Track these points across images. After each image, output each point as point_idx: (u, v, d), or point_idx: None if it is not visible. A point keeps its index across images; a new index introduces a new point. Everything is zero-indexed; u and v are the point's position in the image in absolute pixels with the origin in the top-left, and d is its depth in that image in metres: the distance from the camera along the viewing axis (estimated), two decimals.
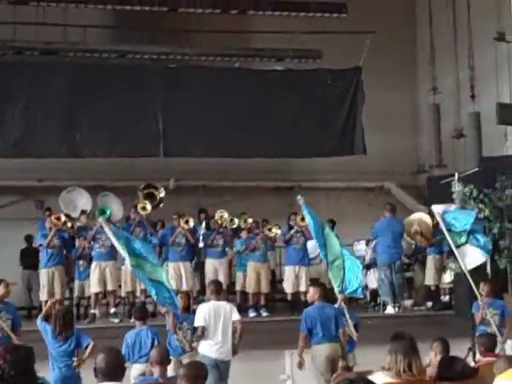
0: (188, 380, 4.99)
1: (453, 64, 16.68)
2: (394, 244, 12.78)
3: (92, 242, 12.12)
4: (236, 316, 8.91)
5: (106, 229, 8.80)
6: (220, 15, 15.22)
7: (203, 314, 8.74)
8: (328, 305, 9.05)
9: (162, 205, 13.38)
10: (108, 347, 4.93)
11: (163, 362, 6.38)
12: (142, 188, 13.24)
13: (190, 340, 9.01)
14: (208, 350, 8.64)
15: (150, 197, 13.16)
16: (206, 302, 9.19)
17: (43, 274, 11.85)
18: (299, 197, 9.96)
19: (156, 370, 6.33)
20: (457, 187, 12.50)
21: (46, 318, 8.39)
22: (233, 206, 14.03)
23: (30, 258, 12.92)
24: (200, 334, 8.68)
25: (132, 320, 11.16)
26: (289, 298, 12.76)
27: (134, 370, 8.26)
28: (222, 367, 8.64)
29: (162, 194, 13.35)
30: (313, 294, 9.03)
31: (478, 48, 15.78)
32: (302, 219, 12.72)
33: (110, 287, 12.06)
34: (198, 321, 8.73)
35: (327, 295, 9.18)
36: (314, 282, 9.89)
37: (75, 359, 8.01)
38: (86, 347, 8.02)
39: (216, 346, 8.66)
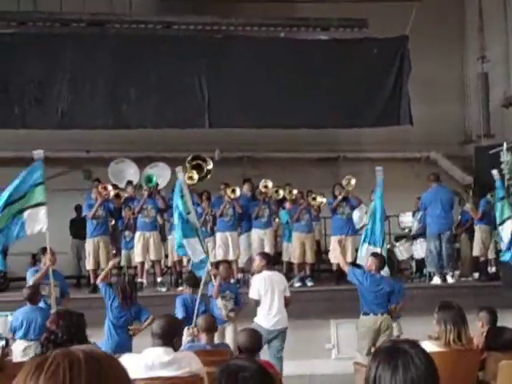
0: (245, 351, 5.06)
1: (502, 32, 16.35)
2: (444, 214, 12.53)
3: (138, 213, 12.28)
4: (287, 292, 8.98)
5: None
6: None
7: (258, 286, 8.79)
8: (386, 278, 9.08)
9: (209, 176, 13.43)
10: (165, 315, 5.01)
11: (211, 329, 6.48)
12: (189, 159, 13.30)
13: (230, 309, 9.12)
14: (262, 320, 8.70)
15: (198, 168, 13.23)
16: (256, 273, 9.23)
17: (89, 243, 12.04)
18: (379, 168, 10.00)
19: (203, 337, 6.43)
20: (505, 157, 12.33)
21: (110, 284, 8.57)
22: (277, 176, 14.02)
23: (79, 228, 13.12)
24: (254, 305, 8.75)
25: (180, 288, 11.35)
26: (334, 268, 12.77)
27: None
28: (279, 334, 8.72)
29: (210, 166, 13.40)
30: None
31: None
32: (348, 183, 12.72)
33: (152, 257, 12.21)
34: (253, 293, 8.80)
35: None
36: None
37: (131, 328, 8.17)
38: (145, 320, 8.16)
39: (271, 316, 8.72)
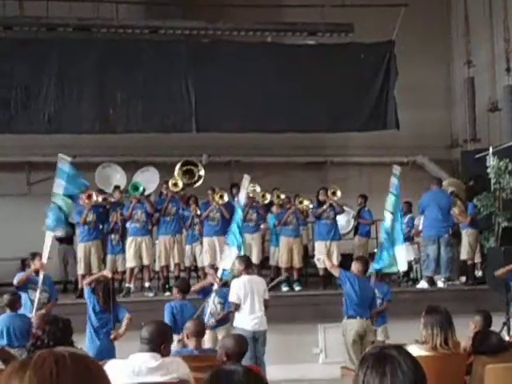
0: (232, 356, 5.06)
1: (488, 37, 16.44)
2: (442, 217, 12.52)
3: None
4: (266, 295, 9.02)
5: None
6: None
7: (237, 289, 8.83)
8: (368, 281, 9.14)
9: (200, 182, 13.40)
10: (154, 320, 5.00)
11: (199, 334, 6.46)
12: (180, 164, 13.27)
13: (217, 314, 9.14)
14: (245, 323, 8.74)
15: (189, 173, 13.21)
16: (236, 277, 9.25)
17: (80, 248, 12.03)
18: (396, 166, 10.08)
19: (191, 342, 6.40)
20: (491, 161, 12.40)
21: (93, 290, 8.57)
22: (265, 181, 14.03)
23: (66, 233, 13.03)
24: (233, 309, 8.79)
25: (167, 293, 11.34)
26: (320, 273, 12.77)
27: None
28: (260, 338, 8.77)
29: (202, 172, 13.38)
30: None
31: None
32: (334, 193, 12.74)
33: (145, 262, 12.19)
34: (232, 297, 8.84)
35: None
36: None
37: (113, 332, 8.18)
38: (123, 319, 8.19)
39: (252, 319, 8.77)
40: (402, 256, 9.89)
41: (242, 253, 10.01)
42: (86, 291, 8.53)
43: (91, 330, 8.26)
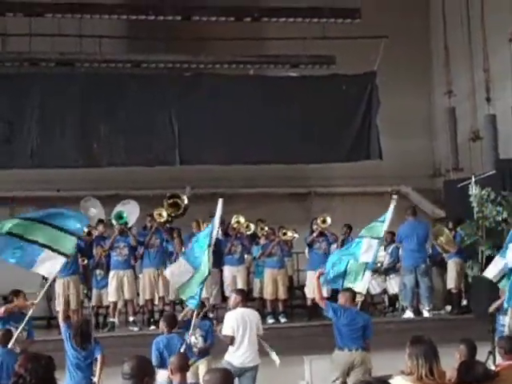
0: None
1: (468, 67, 16.63)
2: (419, 247, 12.66)
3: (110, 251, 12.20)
4: (260, 331, 8.96)
5: None
6: (234, 23, 15.25)
7: (231, 323, 8.75)
8: (360, 313, 9.11)
9: (185, 213, 13.35)
10: (136, 355, 4.94)
11: (183, 369, 6.40)
12: (167, 197, 13.24)
13: (200, 347, 9.08)
14: (233, 358, 8.65)
15: (175, 206, 13.19)
16: (232, 310, 9.17)
17: (58, 283, 11.87)
18: (395, 197, 10.09)
19: (176, 378, 6.33)
20: (474, 190, 12.48)
21: (70, 326, 8.51)
22: (249, 212, 14.02)
23: None
24: (229, 342, 8.70)
25: (152, 327, 11.26)
26: (308, 303, 12.73)
27: (161, 375, 8.25)
28: (249, 372, 8.66)
29: (186, 202, 13.36)
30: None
31: (493, 50, 15.72)
32: (323, 221, 12.78)
33: (127, 296, 12.10)
34: (227, 330, 8.75)
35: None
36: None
37: (94, 379, 8.16)
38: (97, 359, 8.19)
39: (243, 354, 8.67)
40: (366, 280, 9.83)
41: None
42: (63, 328, 8.47)
43: (69, 366, 8.21)
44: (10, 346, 8.22)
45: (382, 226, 9.82)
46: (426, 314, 12.44)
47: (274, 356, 9.10)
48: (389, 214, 9.88)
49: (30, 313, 8.55)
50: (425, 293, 12.58)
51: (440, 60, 17.46)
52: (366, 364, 8.81)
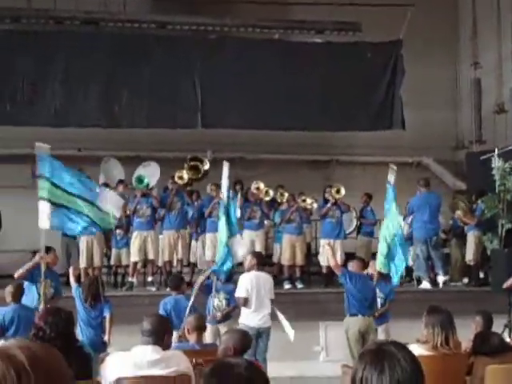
0: (235, 351, 5.06)
1: (495, 38, 16.40)
2: (431, 219, 12.64)
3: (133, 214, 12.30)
4: (272, 295, 9.00)
5: None
6: None
7: (245, 284, 8.82)
8: (369, 279, 9.14)
9: (205, 177, 13.39)
10: (155, 313, 5.00)
11: (200, 328, 6.46)
12: (188, 160, 13.26)
13: (223, 309, 9.13)
14: (250, 319, 8.73)
15: (195, 169, 13.21)
16: (246, 272, 9.22)
17: (82, 241, 12.04)
18: (394, 167, 9.93)
19: (192, 337, 6.40)
20: (497, 163, 12.37)
21: (79, 284, 8.64)
22: (269, 178, 14.03)
23: None
24: (241, 304, 8.76)
25: (168, 289, 11.34)
26: (324, 270, 12.77)
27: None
28: (264, 334, 8.76)
29: (207, 167, 13.38)
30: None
31: None
32: (337, 191, 12.75)
33: (150, 256, 12.19)
34: (241, 291, 8.81)
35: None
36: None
37: (105, 337, 8.30)
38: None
39: (257, 315, 8.76)
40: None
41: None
42: (74, 287, 8.61)
43: (80, 323, 8.35)
44: (35, 303, 8.34)
45: (395, 212, 9.65)
46: (440, 282, 12.41)
47: (288, 329, 9.14)
48: (390, 193, 9.72)
49: (43, 267, 8.61)
50: (438, 263, 12.58)
51: (467, 31, 17.24)
52: (375, 332, 8.93)
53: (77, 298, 8.47)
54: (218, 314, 9.03)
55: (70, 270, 9.30)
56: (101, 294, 8.53)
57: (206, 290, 9.25)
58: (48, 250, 8.97)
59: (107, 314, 8.45)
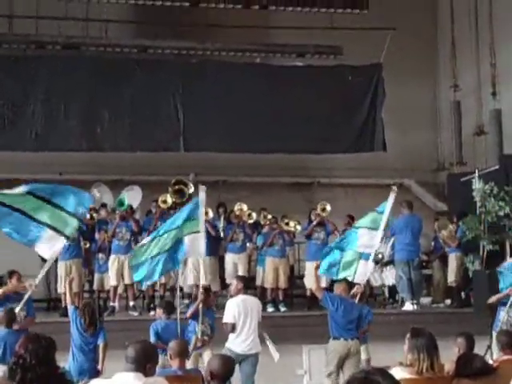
0: (217, 377, 5.02)
1: (474, 61, 16.60)
2: (413, 241, 12.71)
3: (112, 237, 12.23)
4: (260, 318, 8.95)
5: None
6: (241, 10, 15.20)
7: (233, 310, 8.74)
8: (356, 304, 9.12)
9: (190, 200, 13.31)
10: (141, 340, 4.96)
11: (182, 354, 6.42)
12: (172, 183, 13.20)
13: (207, 335, 9.07)
14: (236, 344, 8.65)
15: (179, 192, 13.15)
16: (232, 297, 9.17)
17: (61, 266, 11.90)
18: (394, 188, 9.91)
19: (175, 363, 6.35)
20: (477, 185, 12.46)
21: (77, 308, 8.52)
22: (251, 201, 14.03)
23: None
24: (230, 330, 8.68)
25: (152, 313, 11.27)
26: (308, 293, 12.74)
27: None
28: (250, 359, 8.67)
29: (191, 190, 13.30)
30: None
31: (500, 45, 15.68)
32: (323, 210, 12.76)
33: (127, 281, 12.08)
34: (228, 317, 8.74)
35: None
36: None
37: (98, 367, 8.18)
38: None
39: (244, 341, 8.66)
40: (362, 270, 9.74)
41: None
42: (70, 310, 8.48)
43: (73, 349, 8.21)
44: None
45: (381, 218, 9.70)
46: (409, 306, 12.43)
47: (273, 351, 9.09)
48: (388, 206, 9.76)
49: (28, 293, 8.55)
50: (414, 287, 12.62)
51: (446, 53, 17.42)
52: (359, 354, 8.88)
53: (72, 321, 8.33)
54: (205, 338, 8.95)
55: (66, 285, 9.19)
56: (97, 320, 8.44)
57: (196, 317, 9.20)
58: (11, 274, 8.92)
59: (101, 342, 8.31)
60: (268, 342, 9.07)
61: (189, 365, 8.02)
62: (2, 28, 14.36)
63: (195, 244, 8.68)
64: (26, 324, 8.62)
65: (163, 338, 8.38)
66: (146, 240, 8.96)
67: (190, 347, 8.54)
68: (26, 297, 8.52)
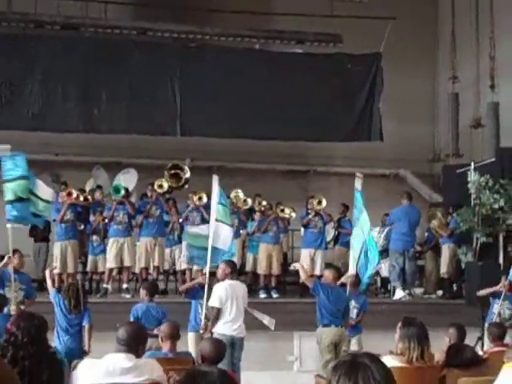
0: (209, 360, 5.06)
1: (473, 53, 16.57)
2: (410, 232, 12.74)
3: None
4: (246, 304, 8.97)
5: None
6: None
7: (219, 294, 8.76)
8: (342, 289, 9.15)
9: (186, 186, 13.31)
10: (132, 322, 4.98)
11: (174, 337, 6.44)
12: (168, 168, 13.19)
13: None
14: (225, 328, 8.67)
15: (175, 177, 13.15)
16: (219, 281, 9.18)
17: (56, 246, 11.96)
18: (359, 175, 9.92)
19: (166, 345, 6.37)
20: (472, 177, 12.48)
21: (59, 290, 8.52)
22: (247, 187, 14.04)
23: (41, 231, 12.95)
24: (215, 314, 8.69)
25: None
26: (300, 280, 12.75)
27: None
28: (237, 343, 8.72)
29: (188, 175, 13.29)
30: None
31: (500, 38, 15.65)
32: (319, 203, 12.77)
33: (126, 263, 12.12)
34: (214, 301, 8.75)
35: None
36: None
37: (85, 348, 8.19)
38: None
39: (233, 325, 8.69)
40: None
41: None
42: (52, 293, 8.48)
43: (59, 330, 8.21)
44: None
45: (365, 219, 9.65)
46: (400, 293, 12.45)
47: (266, 320, 9.13)
48: (359, 199, 9.75)
49: (10, 268, 8.58)
50: (408, 277, 12.66)
51: (446, 45, 17.38)
52: (348, 343, 8.97)
53: (55, 303, 8.34)
54: (209, 324, 8.95)
55: (47, 273, 9.19)
56: (81, 302, 8.43)
57: (192, 295, 9.21)
58: (13, 252, 8.92)
59: (86, 324, 8.31)
60: (256, 313, 9.10)
61: (191, 347, 8.14)
62: (1, 6, 14.27)
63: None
64: (28, 306, 8.63)
65: (143, 321, 8.38)
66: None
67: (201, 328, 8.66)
68: (11, 274, 8.55)
